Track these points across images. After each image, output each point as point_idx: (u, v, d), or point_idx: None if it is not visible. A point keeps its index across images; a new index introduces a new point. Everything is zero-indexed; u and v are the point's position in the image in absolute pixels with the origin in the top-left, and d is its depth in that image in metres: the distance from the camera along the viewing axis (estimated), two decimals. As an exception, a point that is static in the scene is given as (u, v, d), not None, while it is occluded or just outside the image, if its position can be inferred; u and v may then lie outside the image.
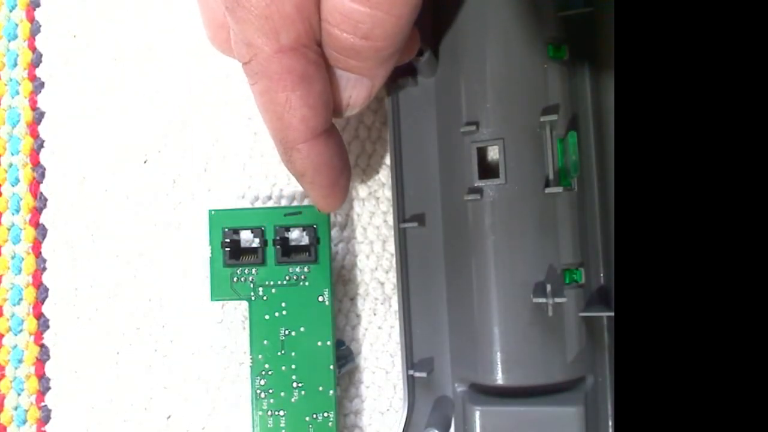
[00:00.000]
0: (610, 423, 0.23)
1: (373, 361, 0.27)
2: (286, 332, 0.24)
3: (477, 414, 0.22)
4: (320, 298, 0.24)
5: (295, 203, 0.27)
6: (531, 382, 0.22)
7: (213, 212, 0.25)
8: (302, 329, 0.24)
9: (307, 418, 0.24)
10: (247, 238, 0.25)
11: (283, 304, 0.24)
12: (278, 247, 0.24)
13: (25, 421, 0.28)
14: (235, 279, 0.25)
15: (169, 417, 0.27)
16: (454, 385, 0.24)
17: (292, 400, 0.24)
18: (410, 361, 0.25)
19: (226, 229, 0.24)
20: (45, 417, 0.28)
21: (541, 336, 0.22)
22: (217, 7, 0.21)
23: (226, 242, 0.24)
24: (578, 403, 0.21)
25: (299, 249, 0.25)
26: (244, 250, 0.25)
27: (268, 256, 0.24)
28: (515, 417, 0.21)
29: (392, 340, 0.27)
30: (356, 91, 0.21)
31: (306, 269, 0.24)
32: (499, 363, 0.22)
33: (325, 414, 0.24)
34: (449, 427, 0.24)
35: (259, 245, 0.24)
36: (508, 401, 0.22)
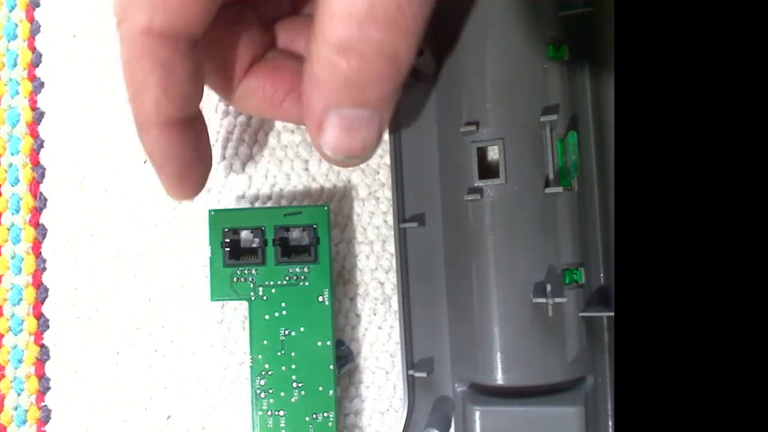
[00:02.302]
0: (610, 423, 0.23)
1: (373, 361, 0.27)
2: (286, 332, 0.24)
3: (477, 414, 0.22)
4: (320, 298, 0.24)
5: (294, 203, 0.27)
6: (531, 382, 0.22)
7: (213, 212, 0.25)
8: (302, 329, 0.24)
9: (307, 418, 0.24)
10: (247, 238, 0.25)
11: (283, 304, 0.24)
12: (278, 247, 0.24)
13: (25, 421, 0.28)
14: (235, 279, 0.25)
15: (169, 417, 0.27)
16: (454, 385, 0.24)
17: (292, 400, 0.24)
18: (410, 361, 0.25)
19: (226, 229, 0.24)
20: (45, 417, 0.28)
21: (541, 336, 0.22)
22: None
23: (226, 242, 0.24)
24: (578, 403, 0.21)
25: (299, 249, 0.25)
26: (244, 250, 0.25)
27: (268, 256, 0.24)
28: (515, 417, 0.21)
29: (392, 340, 0.27)
30: (369, 130, 0.19)
31: (306, 269, 0.24)
32: (499, 363, 0.22)
33: (325, 414, 0.24)
34: (449, 427, 0.24)
35: (259, 245, 0.24)
36: (508, 401, 0.22)
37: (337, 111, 0.18)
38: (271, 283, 0.25)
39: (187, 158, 0.21)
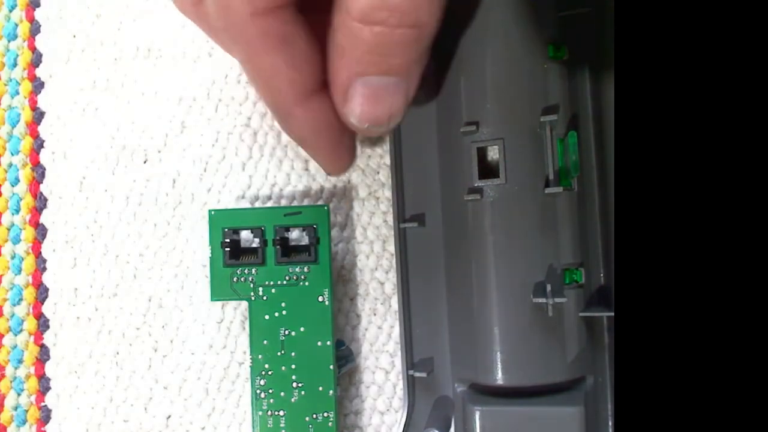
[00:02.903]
0: (610, 423, 0.23)
1: (373, 361, 0.27)
2: (286, 332, 0.24)
3: (477, 414, 0.22)
4: (320, 298, 0.24)
5: (294, 203, 0.27)
6: (531, 382, 0.22)
7: (213, 212, 0.25)
8: (302, 329, 0.24)
9: (307, 418, 0.24)
10: (247, 238, 0.25)
11: (283, 304, 0.24)
12: (278, 247, 0.24)
13: (25, 421, 0.28)
14: (235, 279, 0.25)
15: (169, 417, 0.27)
16: (454, 385, 0.24)
17: (292, 400, 0.24)
18: (410, 361, 0.25)
19: (226, 229, 0.24)
20: (45, 417, 0.28)
21: (541, 336, 0.22)
22: None
23: (226, 242, 0.24)
24: (578, 403, 0.21)
25: (299, 249, 0.25)
26: (244, 250, 0.25)
27: (268, 256, 0.24)
28: (515, 417, 0.21)
29: (392, 340, 0.27)
30: (395, 98, 0.19)
31: (306, 269, 0.24)
32: (499, 363, 0.22)
33: (325, 414, 0.24)
34: (449, 427, 0.24)
35: (259, 245, 0.24)
36: (508, 401, 0.22)
37: (362, 79, 0.18)
38: (271, 283, 0.24)
39: (336, 126, 0.20)
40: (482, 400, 0.22)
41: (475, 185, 0.22)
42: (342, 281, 0.27)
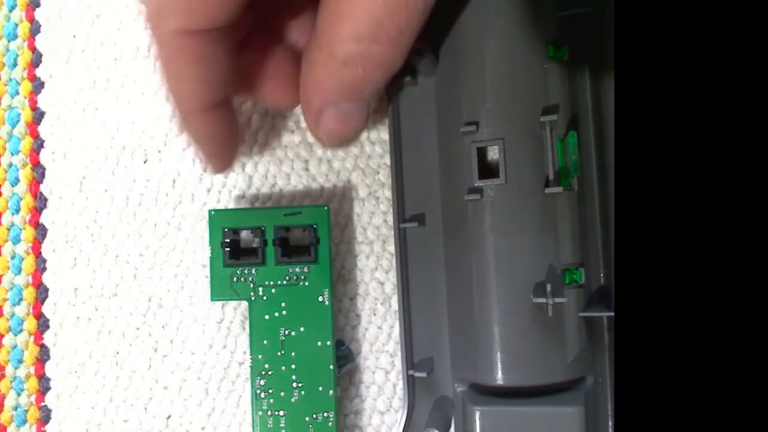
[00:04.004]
0: (610, 423, 0.23)
1: (373, 361, 0.27)
2: (286, 332, 0.24)
3: (477, 414, 0.22)
4: (320, 298, 0.24)
5: (294, 203, 0.27)
6: (531, 382, 0.22)
7: (213, 212, 0.25)
8: (302, 329, 0.24)
9: (307, 418, 0.24)
10: (247, 238, 0.25)
11: (283, 304, 0.24)
12: (278, 247, 0.24)
13: (25, 421, 0.28)
14: (235, 279, 0.25)
15: (169, 417, 0.27)
16: (454, 385, 0.24)
17: (292, 400, 0.24)
18: (410, 361, 0.25)
19: (226, 229, 0.24)
20: (45, 417, 0.28)
21: (541, 336, 0.22)
22: None
23: (226, 242, 0.24)
24: (578, 403, 0.21)
25: (299, 249, 0.25)
26: (244, 250, 0.25)
27: (268, 256, 0.24)
28: (515, 417, 0.21)
29: (392, 340, 0.27)
30: (361, 117, 0.22)
31: (306, 269, 0.24)
32: (499, 363, 0.22)
33: (325, 414, 0.24)
34: (449, 427, 0.24)
35: (259, 245, 0.24)
36: (508, 401, 0.22)
37: (335, 106, 0.21)
38: (271, 283, 0.24)
39: (226, 135, 0.22)
40: (482, 400, 0.22)
41: (475, 185, 0.22)
42: (342, 281, 0.27)
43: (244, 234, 0.25)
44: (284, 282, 0.24)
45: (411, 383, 0.25)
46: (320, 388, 0.24)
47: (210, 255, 0.25)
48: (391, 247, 0.27)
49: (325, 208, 0.24)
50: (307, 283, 0.24)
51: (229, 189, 0.28)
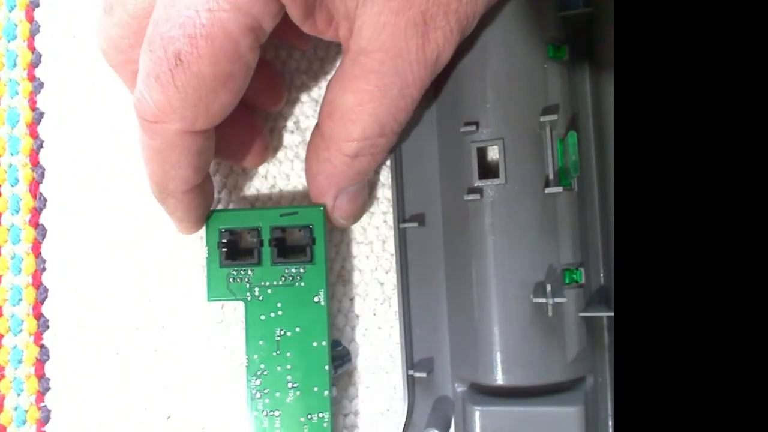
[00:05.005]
0: (610, 423, 0.23)
1: (373, 361, 0.27)
2: (282, 332, 0.24)
3: (477, 414, 0.22)
4: (316, 299, 0.24)
5: (294, 203, 0.27)
6: (531, 382, 0.22)
7: (211, 212, 0.25)
8: (297, 329, 0.24)
9: (302, 419, 0.24)
10: (244, 238, 0.25)
11: (279, 305, 0.24)
12: (274, 247, 0.24)
13: (25, 422, 0.28)
14: (231, 279, 0.25)
15: (169, 417, 0.27)
16: (454, 385, 0.24)
17: (288, 400, 0.24)
18: (410, 361, 0.25)
19: (223, 230, 0.24)
20: (45, 417, 0.28)
21: (541, 336, 0.22)
22: (121, 33, 0.22)
23: (223, 242, 0.24)
24: (578, 403, 0.21)
25: (295, 249, 0.25)
26: (240, 250, 0.25)
27: (264, 257, 0.24)
28: (515, 417, 0.21)
29: (392, 340, 0.27)
30: (364, 195, 0.25)
31: (302, 269, 0.24)
32: (499, 363, 0.22)
33: (320, 414, 0.24)
34: (449, 427, 0.24)
35: (255, 246, 0.24)
36: (508, 401, 0.22)
37: (345, 191, 0.24)
38: (267, 283, 0.24)
39: (204, 206, 0.24)
40: (482, 400, 0.22)
41: (475, 185, 0.22)
42: (342, 281, 0.27)
43: (241, 234, 0.25)
44: (280, 282, 0.24)
45: (411, 383, 0.25)
46: (315, 389, 0.24)
47: (207, 255, 0.25)
48: (391, 247, 0.27)
49: (321, 208, 0.24)
50: (303, 284, 0.24)
51: (229, 189, 0.28)
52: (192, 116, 0.20)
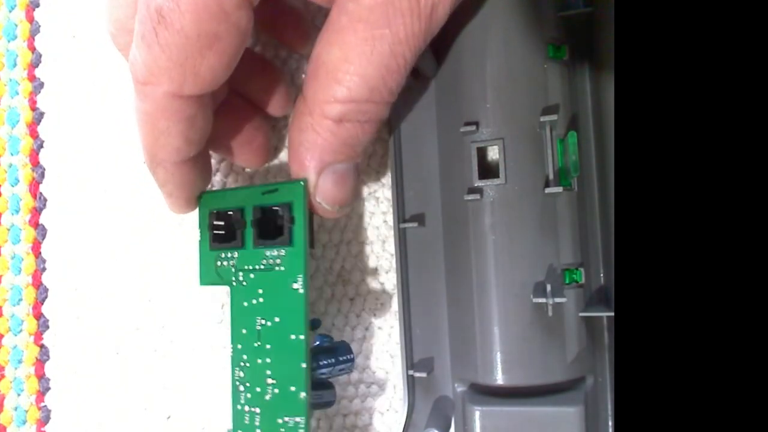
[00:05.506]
0: (610, 423, 0.23)
1: (373, 361, 0.27)
2: (262, 322, 0.22)
3: (477, 414, 0.22)
4: (294, 285, 0.21)
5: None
6: (531, 382, 0.22)
7: (201, 195, 0.23)
8: (277, 319, 0.21)
9: (280, 420, 0.21)
10: (233, 219, 0.23)
11: (260, 291, 0.22)
12: (255, 228, 0.22)
13: (25, 422, 0.28)
14: (218, 263, 0.23)
15: (169, 417, 0.27)
16: (454, 385, 0.24)
17: (266, 397, 0.21)
18: (410, 361, 0.25)
19: (213, 212, 0.23)
20: (45, 417, 0.28)
21: (541, 336, 0.22)
22: (127, 12, 0.21)
23: (213, 225, 0.23)
24: (578, 403, 0.21)
25: (277, 230, 0.22)
26: (229, 233, 0.23)
27: (247, 239, 0.22)
28: (515, 417, 0.21)
29: (392, 340, 0.27)
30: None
31: (282, 252, 0.21)
32: (499, 363, 0.22)
33: (297, 419, 0.21)
34: (449, 427, 0.24)
35: (238, 227, 0.22)
36: (508, 401, 0.22)
37: (331, 167, 0.21)
38: (250, 267, 0.22)
39: (196, 184, 0.23)
40: (482, 400, 0.22)
41: (475, 185, 0.22)
42: (342, 281, 0.27)
43: (230, 216, 0.23)
44: (261, 266, 0.22)
45: (411, 383, 0.25)
46: (292, 389, 0.21)
47: (199, 238, 0.23)
48: (391, 247, 0.27)
49: (301, 183, 0.21)
50: (282, 268, 0.21)
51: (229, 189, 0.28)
52: (179, 78, 0.19)
